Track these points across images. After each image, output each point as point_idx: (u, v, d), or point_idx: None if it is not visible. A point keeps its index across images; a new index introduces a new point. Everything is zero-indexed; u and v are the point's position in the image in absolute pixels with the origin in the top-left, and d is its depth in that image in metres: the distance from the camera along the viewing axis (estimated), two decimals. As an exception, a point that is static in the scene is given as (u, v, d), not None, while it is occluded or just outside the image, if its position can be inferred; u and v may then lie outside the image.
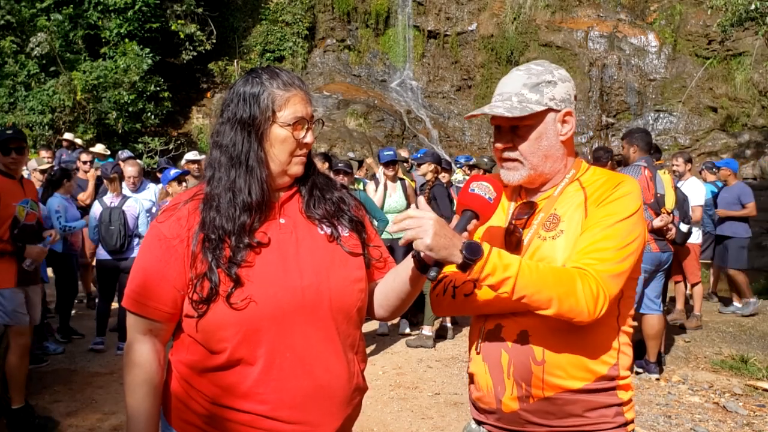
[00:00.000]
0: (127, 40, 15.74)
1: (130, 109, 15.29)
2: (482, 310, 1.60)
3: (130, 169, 6.19)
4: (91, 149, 9.65)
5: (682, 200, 5.66)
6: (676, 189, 5.43)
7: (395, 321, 6.42)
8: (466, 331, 6.07)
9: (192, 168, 7.41)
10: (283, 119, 1.48)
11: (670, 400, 4.73)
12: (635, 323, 5.35)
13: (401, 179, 6.53)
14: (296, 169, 1.53)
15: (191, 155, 7.77)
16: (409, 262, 1.52)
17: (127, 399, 1.49)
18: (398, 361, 5.56)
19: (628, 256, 1.49)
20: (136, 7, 15.72)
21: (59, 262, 5.99)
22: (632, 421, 1.60)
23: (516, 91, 1.57)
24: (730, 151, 15.99)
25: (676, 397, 4.77)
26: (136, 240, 5.66)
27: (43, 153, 8.57)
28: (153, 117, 15.95)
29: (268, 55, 19.27)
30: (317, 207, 1.57)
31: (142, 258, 1.52)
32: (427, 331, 5.95)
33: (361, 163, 9.54)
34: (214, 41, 18.05)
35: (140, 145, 15.34)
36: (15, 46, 14.46)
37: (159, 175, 7.25)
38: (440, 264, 1.41)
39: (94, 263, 6.46)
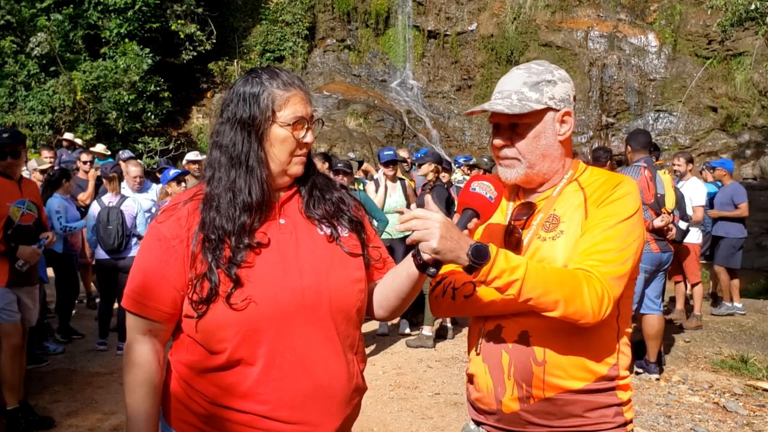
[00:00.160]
0: (127, 40, 15.75)
1: (130, 109, 15.29)
2: (482, 311, 1.60)
3: (134, 169, 6.19)
4: (92, 149, 9.66)
5: (680, 198, 5.66)
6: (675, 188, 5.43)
7: (395, 321, 6.42)
8: (466, 331, 6.06)
9: (192, 168, 7.41)
10: (282, 119, 1.48)
11: (670, 400, 4.73)
12: (634, 323, 5.36)
13: (401, 179, 6.54)
14: (296, 168, 1.53)
15: (192, 155, 7.78)
16: (408, 262, 1.51)
17: (127, 399, 1.49)
18: (398, 361, 5.56)
19: (629, 257, 1.50)
20: (136, 7, 15.72)
21: (59, 262, 5.99)
22: (631, 421, 1.60)
23: (516, 89, 1.58)
24: (730, 151, 15.99)
25: (676, 397, 4.77)
26: (135, 240, 5.66)
27: (45, 153, 8.56)
28: (153, 117, 15.96)
29: (268, 55, 19.27)
30: (317, 207, 1.57)
31: (141, 258, 1.52)
32: (427, 331, 5.95)
33: (361, 163, 9.54)
34: (214, 41, 18.05)
35: (140, 145, 15.35)
36: (15, 46, 14.46)
37: (159, 175, 7.26)
38: (440, 263, 1.41)
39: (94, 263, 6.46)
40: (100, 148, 10.12)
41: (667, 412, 4.47)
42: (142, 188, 6.27)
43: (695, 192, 6.75)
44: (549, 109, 1.57)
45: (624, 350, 1.60)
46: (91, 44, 16.21)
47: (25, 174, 6.32)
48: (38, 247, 3.97)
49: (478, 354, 1.62)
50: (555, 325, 1.49)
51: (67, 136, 11.57)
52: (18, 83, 14.43)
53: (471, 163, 8.76)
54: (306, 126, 1.52)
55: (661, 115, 17.13)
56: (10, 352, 3.91)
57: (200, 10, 17.50)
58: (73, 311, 6.53)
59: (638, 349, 5.23)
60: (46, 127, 14.23)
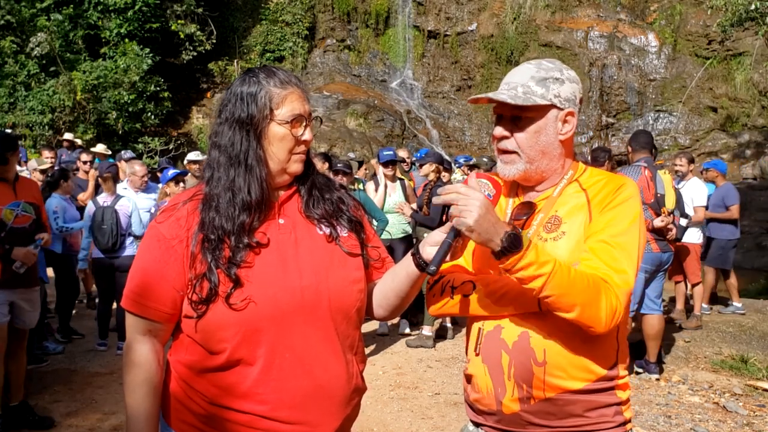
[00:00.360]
0: (127, 40, 15.76)
1: (130, 109, 15.30)
2: (480, 311, 1.59)
3: (139, 168, 6.20)
4: (93, 149, 9.66)
5: (678, 198, 5.66)
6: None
7: (395, 321, 6.42)
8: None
9: (193, 168, 7.42)
10: (281, 117, 1.48)
11: (670, 400, 4.73)
12: (634, 323, 5.36)
13: (400, 179, 6.54)
14: (296, 167, 1.53)
15: (192, 155, 7.78)
16: (408, 261, 1.51)
17: (127, 399, 1.49)
18: (398, 361, 5.56)
19: (637, 265, 1.52)
20: (136, 7, 15.73)
21: (58, 262, 6.00)
22: (630, 420, 1.61)
23: (523, 82, 1.58)
24: (730, 151, 16.00)
25: (676, 397, 4.77)
26: (130, 239, 5.67)
27: (46, 153, 8.57)
28: (153, 117, 15.97)
29: (268, 55, 19.29)
30: (316, 207, 1.57)
31: (141, 258, 1.52)
32: (427, 331, 5.95)
33: (361, 163, 9.55)
34: (214, 41, 18.07)
35: (140, 145, 15.36)
36: (15, 46, 14.48)
37: (159, 174, 7.26)
38: (439, 262, 1.41)
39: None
40: (100, 148, 10.12)
41: (667, 412, 4.47)
42: (146, 188, 6.28)
43: (696, 192, 6.74)
44: (553, 106, 1.57)
45: (623, 350, 1.61)
46: (91, 44, 16.22)
47: (24, 174, 6.33)
48: (34, 248, 3.92)
49: (477, 354, 1.61)
50: (555, 325, 1.49)
51: (67, 136, 11.58)
52: (18, 83, 14.44)
53: (471, 163, 8.77)
54: (304, 123, 1.51)
55: (661, 115, 17.14)
56: None
57: (200, 10, 17.51)
58: (73, 311, 6.53)
59: (638, 349, 5.23)
60: (46, 127, 14.24)
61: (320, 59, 20.07)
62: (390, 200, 6.28)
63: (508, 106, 1.57)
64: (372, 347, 5.88)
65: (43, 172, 6.82)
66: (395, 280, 1.57)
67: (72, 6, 15.64)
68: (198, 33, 17.42)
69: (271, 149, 1.49)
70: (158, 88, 15.94)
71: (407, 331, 6.33)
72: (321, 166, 5.70)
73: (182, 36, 17.11)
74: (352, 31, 20.23)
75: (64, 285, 6.11)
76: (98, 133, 14.87)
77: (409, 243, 6.27)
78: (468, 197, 1.37)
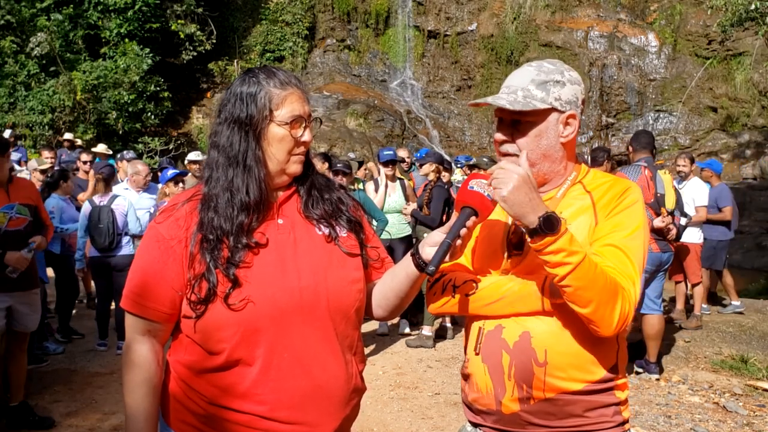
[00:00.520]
0: (127, 40, 15.76)
1: (130, 109, 15.30)
2: (482, 311, 1.59)
3: (141, 168, 6.22)
4: (94, 149, 9.66)
5: (678, 198, 5.66)
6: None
7: (395, 321, 6.42)
8: (466, 331, 6.05)
9: (193, 168, 7.42)
10: (280, 118, 1.48)
11: (670, 400, 4.73)
12: (634, 323, 5.36)
13: (399, 179, 6.54)
14: (295, 167, 1.53)
15: (193, 155, 7.78)
16: (407, 261, 1.51)
17: (126, 399, 1.49)
18: (398, 361, 5.56)
19: (643, 271, 1.52)
20: (136, 7, 15.73)
21: (57, 263, 6.00)
22: (628, 420, 1.61)
23: (523, 85, 1.57)
24: (730, 151, 16.01)
25: (676, 397, 4.77)
26: (126, 238, 5.67)
27: (45, 153, 8.57)
28: (153, 117, 15.97)
29: (268, 55, 19.29)
30: (315, 207, 1.57)
31: (140, 259, 1.52)
32: (427, 331, 5.95)
33: (361, 163, 9.54)
34: (214, 41, 18.07)
35: (140, 145, 15.36)
36: (15, 46, 14.48)
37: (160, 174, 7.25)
38: (438, 262, 1.41)
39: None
40: (101, 148, 10.13)
41: (667, 412, 4.47)
42: (148, 187, 6.29)
43: (698, 192, 6.73)
44: (553, 109, 1.56)
45: (622, 350, 1.61)
46: (91, 44, 16.22)
47: (24, 174, 6.33)
48: (27, 252, 3.83)
49: (477, 354, 1.61)
50: (557, 326, 1.50)
51: (67, 136, 11.58)
52: (18, 83, 14.44)
53: (471, 163, 8.76)
54: (304, 124, 1.51)
55: (661, 115, 17.14)
56: None
57: (200, 10, 17.51)
58: (73, 311, 6.53)
59: (638, 349, 5.23)
60: (46, 127, 14.24)
61: (320, 59, 20.07)
62: (390, 200, 6.28)
63: (509, 111, 1.56)
64: (372, 347, 5.88)
65: (43, 172, 6.83)
66: (395, 280, 1.57)
67: (72, 6, 15.63)
68: (198, 33, 17.42)
69: (270, 150, 1.49)
70: (158, 88, 15.94)
71: (407, 331, 6.33)
72: (320, 166, 5.70)
73: (182, 36, 17.11)
74: (352, 31, 20.23)
75: (64, 285, 6.11)
76: (98, 133, 14.88)
77: (408, 243, 6.27)
78: (507, 170, 1.41)
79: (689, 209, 6.53)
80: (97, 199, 5.72)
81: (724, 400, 4.70)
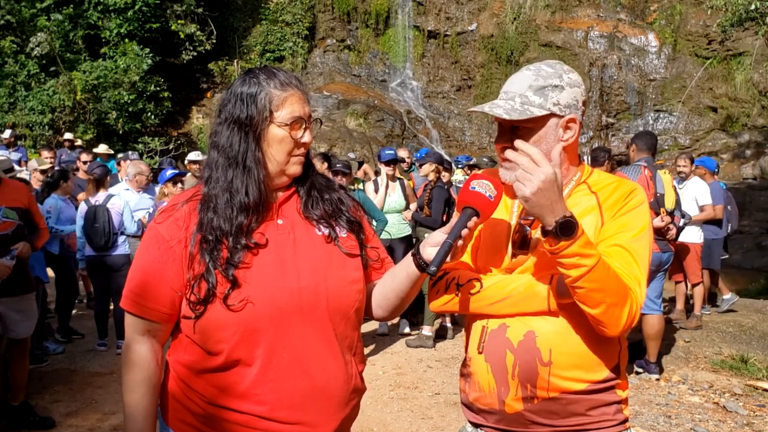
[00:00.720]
0: (127, 40, 15.76)
1: (130, 109, 15.30)
2: (486, 310, 1.58)
3: (145, 168, 6.27)
4: (95, 150, 9.66)
5: (677, 197, 5.67)
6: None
7: (395, 321, 6.42)
8: (466, 331, 6.05)
9: (193, 168, 7.42)
10: (280, 119, 1.48)
11: (670, 400, 4.73)
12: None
13: (399, 179, 6.54)
14: (294, 168, 1.53)
15: (193, 155, 7.78)
16: (408, 261, 1.51)
17: (126, 398, 1.49)
18: (398, 361, 5.56)
19: (647, 273, 1.53)
20: (136, 7, 15.72)
21: (56, 263, 6.01)
22: (628, 419, 1.62)
23: (520, 92, 1.56)
24: (730, 151, 16.01)
25: (676, 397, 4.77)
26: (122, 238, 5.68)
27: (45, 153, 8.57)
28: (153, 117, 15.96)
29: (268, 55, 19.28)
30: (315, 207, 1.57)
31: (140, 259, 1.52)
32: (427, 331, 5.95)
33: (361, 163, 9.55)
34: (214, 41, 18.06)
35: (140, 145, 15.35)
36: (15, 46, 14.47)
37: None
38: (439, 262, 1.41)
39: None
40: (102, 148, 10.13)
41: (667, 412, 4.47)
42: (148, 187, 6.31)
43: (699, 191, 6.71)
44: (552, 114, 1.55)
45: (624, 350, 1.62)
46: (91, 44, 16.22)
47: (24, 174, 6.33)
48: (9, 260, 3.70)
49: (480, 353, 1.60)
50: (562, 325, 1.50)
51: (68, 136, 11.58)
52: (18, 83, 14.43)
53: (471, 163, 8.76)
54: (304, 126, 1.51)
55: (661, 115, 17.14)
56: None
57: (200, 10, 17.51)
58: (73, 311, 6.53)
59: (638, 349, 5.23)
60: (46, 127, 14.24)
61: (320, 59, 20.07)
62: (390, 200, 6.28)
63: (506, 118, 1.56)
64: (372, 347, 5.88)
65: (43, 172, 6.83)
66: (395, 280, 1.57)
67: (72, 6, 15.63)
68: (198, 33, 17.41)
69: (270, 151, 1.49)
70: (158, 88, 15.94)
71: (407, 331, 6.33)
72: (320, 166, 5.70)
73: (182, 36, 17.10)
74: (352, 31, 20.23)
75: (63, 285, 6.12)
76: (98, 133, 14.87)
77: (409, 243, 6.27)
78: (536, 167, 1.38)
79: (692, 208, 6.53)
80: (93, 198, 5.74)
81: (724, 400, 4.70)
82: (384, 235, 5.76)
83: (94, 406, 4.51)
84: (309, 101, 1.55)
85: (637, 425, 4.19)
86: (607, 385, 1.55)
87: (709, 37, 16.79)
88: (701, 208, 6.59)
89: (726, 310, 7.28)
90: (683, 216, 5.61)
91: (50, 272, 6.09)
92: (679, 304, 6.99)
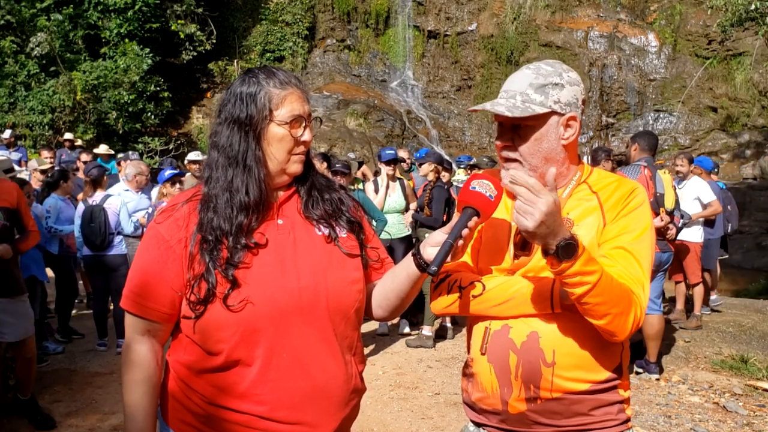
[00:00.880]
0: (127, 40, 15.75)
1: (130, 109, 15.29)
2: (489, 312, 1.58)
3: (144, 168, 6.28)
4: (95, 150, 9.67)
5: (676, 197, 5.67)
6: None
7: (395, 321, 6.42)
8: (466, 330, 6.06)
9: (193, 168, 7.42)
10: (280, 117, 1.48)
11: (670, 400, 4.73)
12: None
13: (399, 179, 6.54)
14: (295, 167, 1.53)
15: (193, 155, 7.78)
16: (408, 261, 1.51)
17: (126, 398, 1.49)
18: (398, 361, 5.55)
19: (650, 274, 1.53)
20: (136, 7, 15.72)
21: (56, 263, 6.01)
22: (630, 419, 1.62)
23: (521, 90, 1.56)
24: (730, 151, 16.01)
25: (676, 397, 4.77)
26: (119, 238, 5.68)
27: (45, 153, 8.58)
28: (153, 117, 15.96)
29: (268, 55, 19.28)
30: (315, 207, 1.57)
31: (140, 259, 1.52)
32: (427, 331, 5.95)
33: (361, 164, 9.55)
34: (214, 41, 18.06)
35: (140, 145, 15.35)
36: (15, 46, 14.47)
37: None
38: (440, 262, 1.41)
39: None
40: (102, 149, 10.14)
41: (667, 412, 4.47)
42: (144, 188, 6.30)
43: (701, 190, 6.71)
44: (553, 112, 1.55)
45: (626, 350, 1.62)
46: (91, 44, 16.21)
47: (24, 174, 6.34)
48: None
49: (483, 354, 1.60)
50: (566, 326, 1.51)
51: (68, 136, 11.59)
52: (18, 83, 14.43)
53: (471, 163, 8.76)
54: (304, 124, 1.51)
55: (661, 115, 17.14)
56: None
57: (200, 10, 17.50)
58: (73, 311, 6.53)
59: (638, 349, 5.23)
60: (46, 127, 14.23)
61: (320, 59, 20.07)
62: (390, 200, 6.28)
63: (508, 116, 1.55)
64: (372, 347, 5.88)
65: (43, 172, 6.84)
66: (395, 280, 1.57)
67: (72, 6, 15.62)
68: (198, 33, 17.40)
69: (270, 150, 1.49)
70: (158, 88, 15.93)
71: (407, 331, 6.33)
72: (320, 166, 5.70)
73: (182, 36, 17.10)
74: (352, 31, 20.22)
75: (63, 285, 6.12)
76: (98, 133, 14.87)
77: (409, 243, 6.27)
78: (536, 198, 1.34)
79: (694, 208, 6.52)
80: (90, 199, 5.75)
81: (724, 400, 4.70)
82: (384, 235, 5.76)
83: (94, 406, 4.51)
84: (308, 100, 1.55)
85: (637, 425, 4.18)
86: (610, 385, 1.56)
87: (709, 37, 16.79)
88: (707, 205, 6.58)
89: (712, 310, 7.28)
90: (682, 216, 5.62)
91: (50, 272, 6.09)
92: (679, 304, 6.99)
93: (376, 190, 6.31)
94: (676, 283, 7.05)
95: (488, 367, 1.59)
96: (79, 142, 12.12)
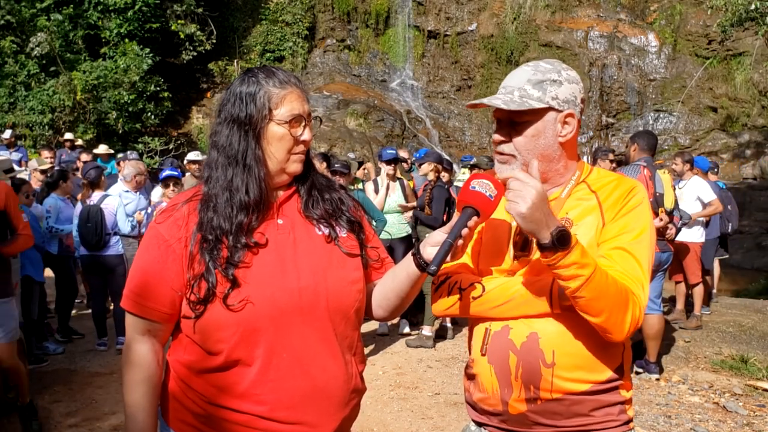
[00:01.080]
0: (127, 40, 15.75)
1: (130, 109, 15.29)
2: (490, 313, 1.58)
3: (143, 168, 6.28)
4: (95, 150, 9.66)
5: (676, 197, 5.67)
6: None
7: (395, 321, 6.42)
8: (466, 331, 6.04)
9: (193, 168, 7.42)
10: (279, 117, 1.48)
11: (670, 400, 4.73)
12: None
13: (399, 179, 6.54)
14: (295, 167, 1.53)
15: (192, 155, 7.77)
16: (408, 261, 1.51)
17: (126, 398, 1.49)
18: (398, 361, 5.55)
19: (650, 274, 1.52)
20: (136, 7, 15.72)
21: (55, 263, 6.02)
22: (632, 419, 1.61)
23: (519, 85, 1.56)
24: (730, 151, 16.00)
25: (676, 397, 4.77)
26: (115, 238, 5.68)
27: (45, 153, 8.57)
28: (153, 117, 15.95)
29: (268, 55, 19.27)
30: (315, 207, 1.57)
31: (140, 258, 1.52)
32: (427, 331, 5.95)
33: (361, 164, 9.55)
34: (214, 41, 18.05)
35: (140, 145, 15.34)
36: (15, 46, 14.46)
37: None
38: (440, 262, 1.41)
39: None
40: (102, 149, 10.14)
41: (667, 412, 4.47)
42: (142, 188, 6.31)
43: (701, 189, 6.71)
44: (551, 108, 1.55)
45: (628, 350, 1.61)
46: (91, 44, 16.21)
47: (24, 174, 6.35)
48: None
49: (483, 354, 1.60)
50: (565, 327, 1.50)
51: (68, 136, 11.59)
52: (18, 83, 14.42)
53: (471, 162, 8.77)
54: (303, 123, 1.51)
55: (661, 115, 17.14)
56: None
57: (200, 10, 17.49)
58: (73, 311, 6.53)
59: (638, 349, 5.23)
60: (46, 127, 14.23)
61: (320, 59, 20.06)
62: (390, 200, 6.28)
63: (505, 111, 1.55)
64: (372, 347, 5.88)
65: (43, 172, 6.84)
66: (395, 280, 1.57)
67: (72, 6, 15.62)
68: (198, 33, 17.40)
69: (270, 149, 1.49)
70: (158, 88, 15.93)
71: (407, 331, 6.33)
72: (319, 166, 5.70)
73: (182, 36, 17.09)
74: (352, 31, 20.22)
75: (63, 285, 6.13)
76: (98, 133, 14.87)
77: (409, 243, 6.27)
78: (525, 184, 1.38)
79: (694, 208, 6.52)
80: (88, 199, 5.76)
81: (724, 400, 4.70)
82: (384, 235, 5.76)
83: (94, 406, 4.51)
84: (308, 99, 1.55)
85: (637, 425, 4.18)
86: (611, 385, 1.55)
87: (709, 37, 16.79)
88: (708, 205, 6.58)
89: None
90: (682, 216, 5.62)
91: (50, 272, 6.09)
92: (679, 304, 7.00)
93: (376, 190, 6.31)
94: (676, 283, 7.05)
95: (488, 368, 1.59)
96: (79, 142, 12.12)
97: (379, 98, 18.68)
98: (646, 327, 5.12)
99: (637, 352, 5.23)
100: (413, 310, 6.35)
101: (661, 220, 4.89)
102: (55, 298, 6.30)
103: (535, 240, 1.47)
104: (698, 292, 6.85)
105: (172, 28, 16.83)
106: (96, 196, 5.74)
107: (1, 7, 14.42)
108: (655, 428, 4.22)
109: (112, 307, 6.00)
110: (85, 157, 7.95)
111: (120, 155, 9.71)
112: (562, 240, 1.37)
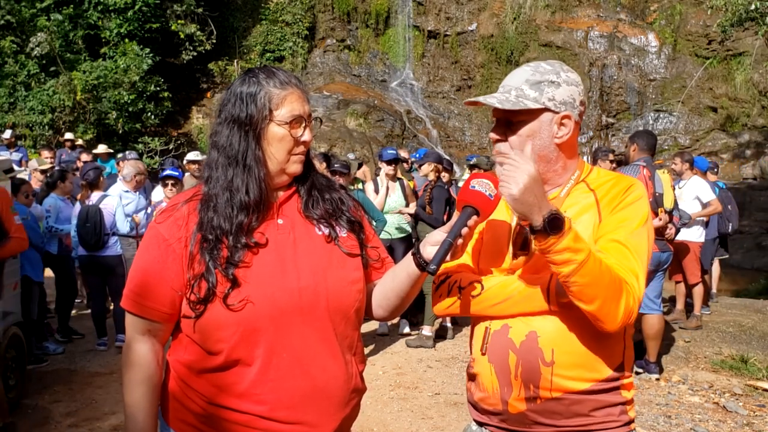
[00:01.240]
0: (127, 40, 15.74)
1: (130, 109, 15.28)
2: (488, 311, 1.58)
3: (142, 168, 6.28)
4: (95, 151, 9.66)
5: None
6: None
7: (395, 321, 6.42)
8: (466, 331, 6.06)
9: (192, 168, 7.42)
10: (280, 117, 1.48)
11: (670, 400, 4.73)
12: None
13: (399, 179, 6.55)
14: (295, 167, 1.53)
15: (192, 155, 7.78)
16: (408, 261, 1.51)
17: (126, 398, 1.49)
18: (398, 361, 5.56)
19: (647, 268, 1.52)
20: (136, 7, 15.71)
21: (55, 263, 6.02)
22: (633, 420, 1.61)
23: (517, 85, 1.56)
24: (730, 151, 16.00)
25: (676, 397, 4.77)
26: (114, 238, 5.68)
27: (45, 153, 8.57)
28: (153, 117, 15.95)
29: (268, 55, 19.27)
30: (316, 207, 1.57)
31: (140, 258, 1.52)
32: (427, 331, 5.95)
33: (361, 164, 9.56)
34: (214, 41, 18.05)
35: (140, 145, 15.34)
36: (15, 46, 14.46)
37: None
38: (440, 261, 1.41)
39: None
40: (102, 148, 10.14)
41: (667, 412, 4.47)
42: (141, 188, 6.30)
43: (701, 189, 6.72)
44: (546, 109, 1.55)
45: (629, 350, 1.61)
46: (91, 44, 16.20)
47: (24, 174, 6.35)
48: None
49: (483, 354, 1.60)
50: (564, 325, 1.50)
51: (68, 136, 11.59)
52: (18, 83, 14.42)
53: (471, 162, 8.77)
54: (304, 124, 1.51)
55: (661, 115, 17.14)
56: None
57: (200, 10, 17.49)
58: (73, 311, 6.53)
59: (638, 349, 5.23)
60: (46, 127, 14.23)
61: (320, 59, 20.06)
62: (390, 200, 6.28)
63: (502, 110, 1.56)
64: (372, 347, 5.88)
65: (43, 172, 6.85)
66: (395, 280, 1.57)
67: (72, 6, 15.61)
68: (198, 33, 17.39)
69: (270, 150, 1.49)
70: (158, 88, 15.92)
71: (407, 331, 6.33)
72: (319, 166, 5.70)
73: (182, 36, 17.09)
74: (352, 31, 20.22)
75: (62, 285, 6.13)
76: (98, 133, 14.86)
77: (409, 243, 6.27)
78: (517, 166, 1.38)
79: (694, 207, 6.53)
80: (87, 200, 5.76)
81: (724, 400, 4.70)
82: (384, 235, 5.76)
83: (94, 406, 4.51)
84: (309, 100, 1.55)
85: (637, 425, 4.17)
86: (612, 385, 1.55)
87: (709, 37, 16.79)
88: (707, 204, 6.59)
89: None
90: (681, 216, 5.62)
91: (50, 272, 6.09)
92: (679, 304, 7.00)
93: (376, 191, 6.31)
94: (676, 283, 7.05)
95: (489, 367, 1.59)
96: (79, 142, 12.12)
97: (379, 98, 18.68)
98: (646, 327, 5.12)
99: (637, 352, 5.23)
100: (413, 310, 6.35)
101: (661, 219, 4.89)
102: (55, 298, 6.31)
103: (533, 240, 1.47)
104: (698, 292, 6.85)
105: (172, 28, 16.83)
106: (95, 196, 5.74)
107: (1, 7, 14.42)
108: (655, 428, 4.22)
109: (111, 307, 5.99)
110: (85, 157, 7.95)
111: (119, 155, 9.71)
112: (553, 224, 1.36)
